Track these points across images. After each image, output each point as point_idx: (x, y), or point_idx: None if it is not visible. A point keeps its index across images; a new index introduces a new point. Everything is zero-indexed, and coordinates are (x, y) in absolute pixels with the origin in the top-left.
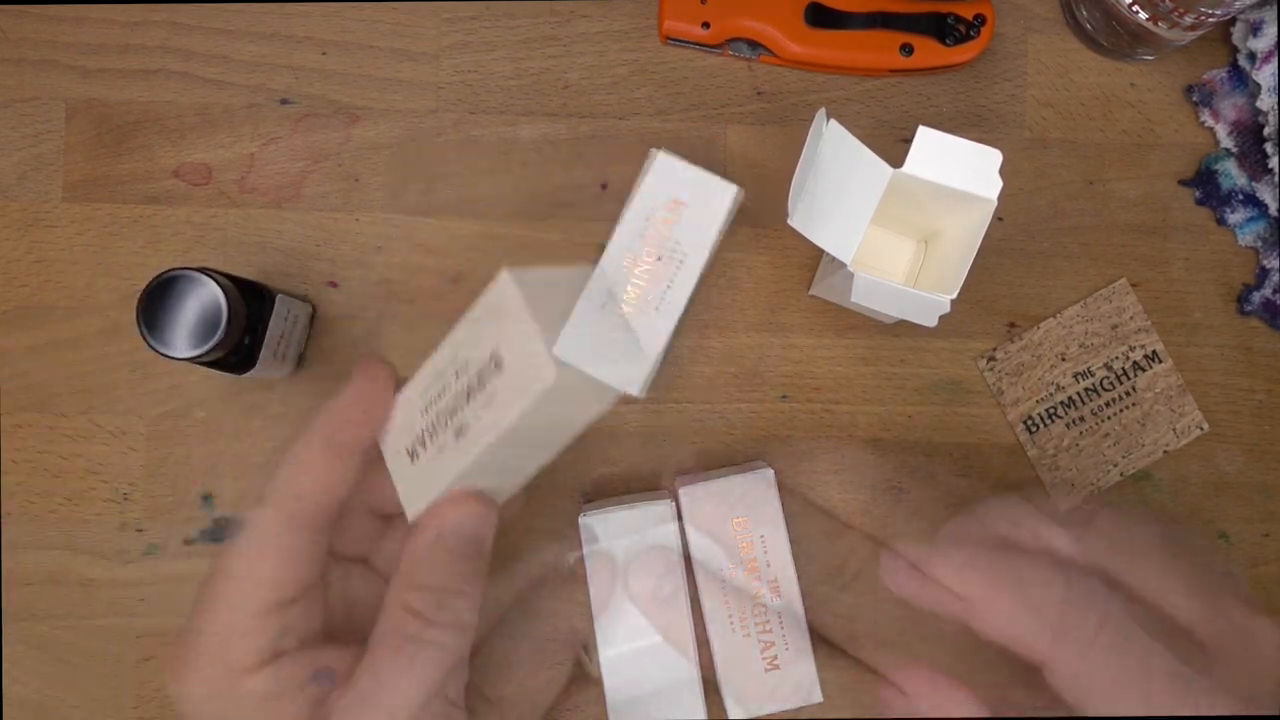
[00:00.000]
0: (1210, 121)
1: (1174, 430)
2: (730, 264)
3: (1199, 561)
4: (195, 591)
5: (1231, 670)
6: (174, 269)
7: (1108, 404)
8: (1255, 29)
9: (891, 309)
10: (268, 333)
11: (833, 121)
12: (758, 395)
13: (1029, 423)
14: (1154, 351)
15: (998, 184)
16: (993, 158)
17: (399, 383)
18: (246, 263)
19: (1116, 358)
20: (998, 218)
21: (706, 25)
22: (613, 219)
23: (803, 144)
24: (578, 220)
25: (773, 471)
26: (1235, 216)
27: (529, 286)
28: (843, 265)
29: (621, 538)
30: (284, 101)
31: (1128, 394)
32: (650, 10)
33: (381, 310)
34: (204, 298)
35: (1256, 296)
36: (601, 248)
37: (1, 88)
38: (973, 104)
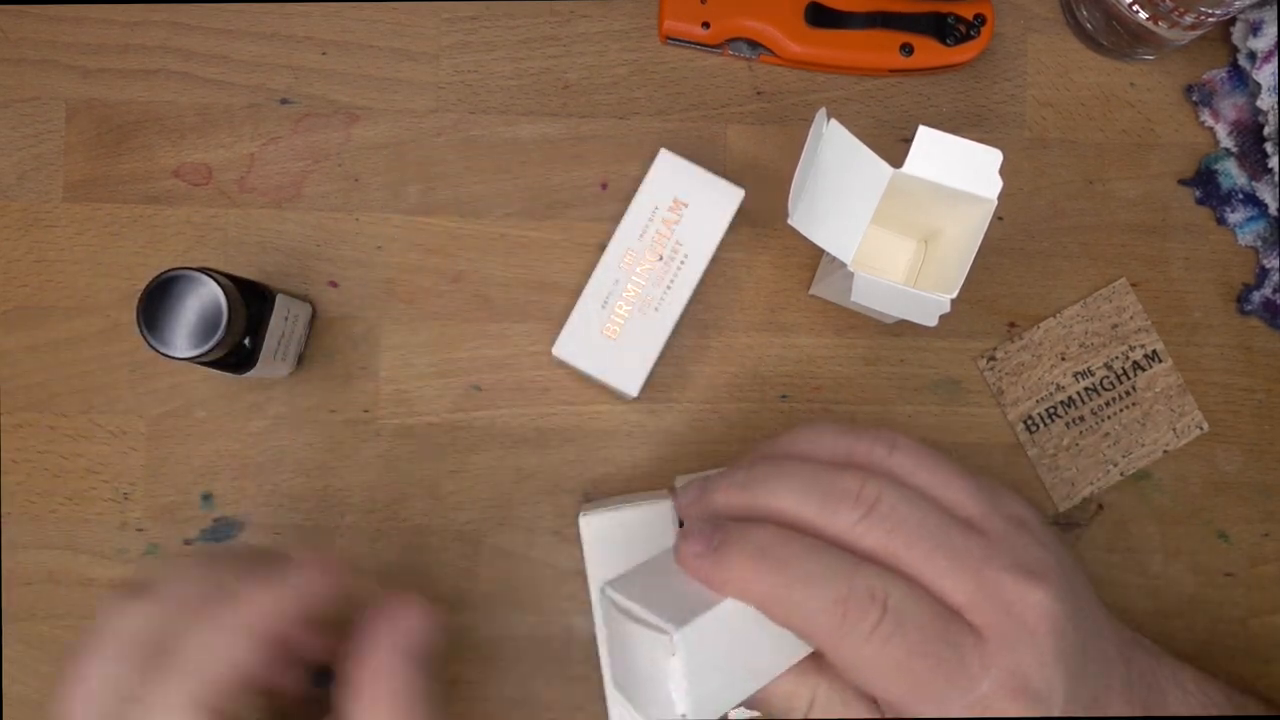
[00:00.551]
0: (1210, 121)
1: (1174, 430)
2: (730, 264)
3: (972, 534)
4: None
5: (1005, 649)
6: (174, 269)
7: (1108, 403)
8: (1255, 29)
9: (891, 309)
10: (268, 332)
11: (833, 121)
12: (758, 395)
13: (1029, 422)
14: (1154, 351)
15: (998, 184)
16: (993, 157)
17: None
18: (246, 263)
19: (1116, 357)
20: (998, 217)
21: (706, 25)
22: (613, 219)
23: (803, 144)
24: (577, 220)
25: None
26: (1235, 216)
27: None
28: (843, 265)
29: (621, 538)
30: (284, 101)
31: (1128, 394)
32: (650, 10)
33: (381, 310)
34: (204, 297)
35: (1256, 296)
36: (602, 247)
37: (2, 88)
38: (973, 104)
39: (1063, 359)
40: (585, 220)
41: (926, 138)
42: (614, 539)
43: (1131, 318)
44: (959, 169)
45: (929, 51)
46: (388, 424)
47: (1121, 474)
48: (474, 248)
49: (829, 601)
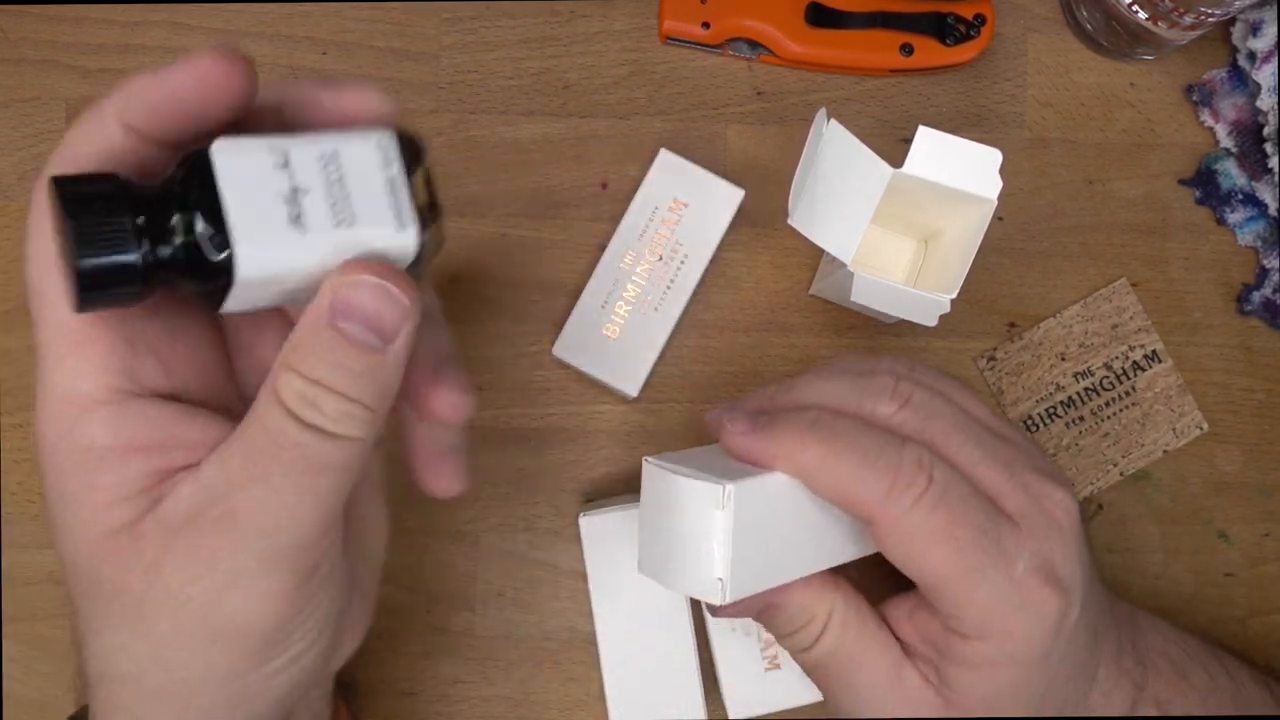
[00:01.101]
0: (1210, 121)
1: (1174, 430)
2: (731, 263)
3: (998, 438)
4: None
5: (1035, 535)
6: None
7: (1107, 404)
8: (1255, 29)
9: (892, 309)
10: None
11: (833, 121)
12: None
13: (1029, 422)
14: (1154, 351)
15: (998, 184)
16: (993, 157)
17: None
18: None
19: (1116, 357)
20: (998, 217)
21: (706, 25)
22: (613, 219)
23: (803, 144)
24: (577, 220)
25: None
26: (1235, 216)
27: None
28: (843, 265)
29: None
30: None
31: (1127, 394)
32: (650, 10)
33: None
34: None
35: (1256, 296)
36: (602, 248)
37: (2, 87)
38: (973, 104)
39: (1063, 359)
40: (585, 220)
41: (926, 138)
42: (614, 539)
43: (1131, 318)
44: (959, 169)
45: (929, 51)
46: (389, 423)
47: (1121, 474)
48: (474, 248)
49: (879, 469)
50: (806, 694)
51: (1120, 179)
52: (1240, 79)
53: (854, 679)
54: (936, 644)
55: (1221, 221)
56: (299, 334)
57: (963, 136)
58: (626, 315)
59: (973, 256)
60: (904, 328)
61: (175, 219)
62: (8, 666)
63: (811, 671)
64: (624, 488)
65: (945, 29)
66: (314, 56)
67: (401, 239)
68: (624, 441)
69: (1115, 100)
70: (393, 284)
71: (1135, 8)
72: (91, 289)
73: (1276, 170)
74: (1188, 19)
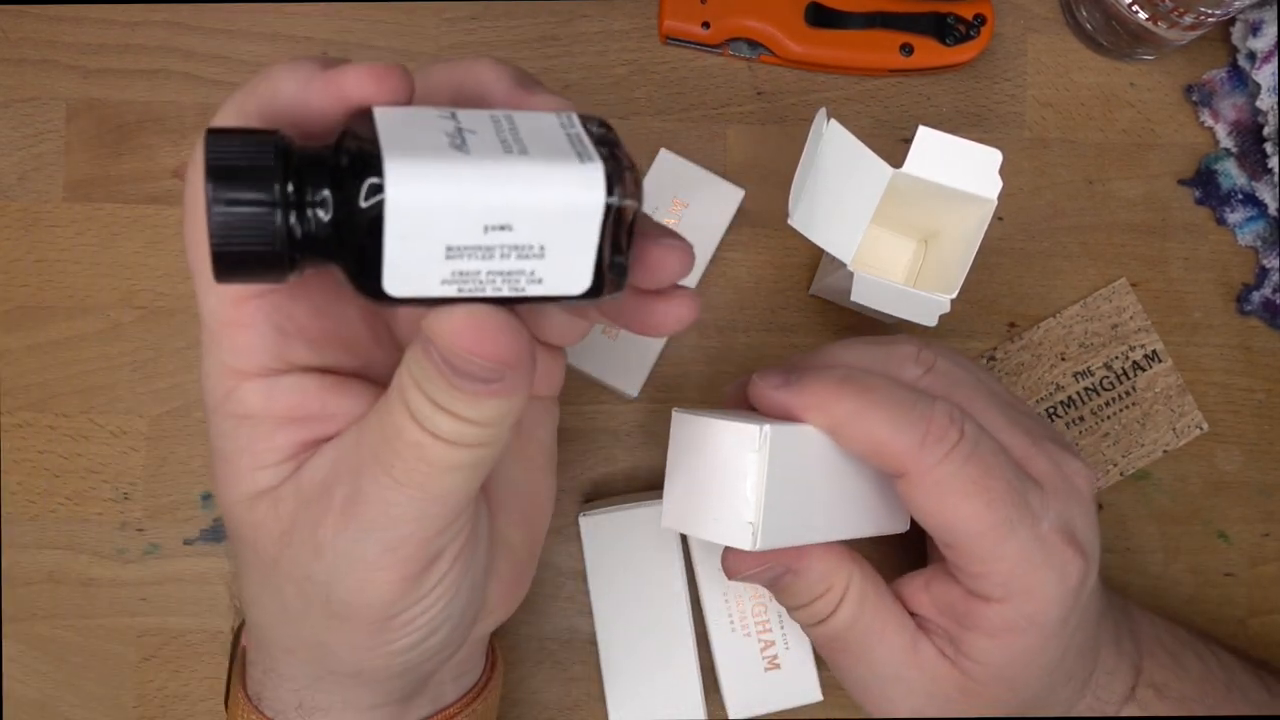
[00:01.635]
0: (1210, 121)
1: (1174, 430)
2: (731, 263)
3: (1017, 410)
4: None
5: (1058, 497)
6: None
7: (1107, 404)
8: (1255, 29)
9: (892, 309)
10: None
11: (833, 121)
12: None
13: None
14: (1154, 351)
15: (997, 184)
16: (992, 157)
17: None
18: None
19: (1116, 357)
20: (998, 217)
21: (706, 25)
22: None
23: (803, 144)
24: None
25: None
26: (1235, 216)
27: None
28: (843, 265)
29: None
30: None
31: (1127, 394)
32: (650, 10)
33: None
34: None
35: (1256, 296)
36: None
37: (2, 88)
38: (973, 104)
39: (1062, 359)
40: None
41: (926, 138)
42: (614, 539)
43: (1131, 318)
44: (959, 169)
45: (929, 51)
46: None
47: (1121, 474)
48: None
49: (912, 420)
50: (806, 694)
51: (1120, 179)
52: (1240, 79)
53: (871, 653)
54: (955, 611)
55: (1221, 221)
56: (415, 350)
57: (963, 136)
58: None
59: (973, 256)
60: (904, 328)
61: (326, 190)
62: (8, 666)
63: (826, 645)
64: (624, 488)
65: (945, 29)
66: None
67: (584, 175)
68: (624, 441)
69: (1115, 100)
70: (494, 329)
71: (1135, 8)
72: (227, 270)
73: (1276, 170)
74: (1188, 19)
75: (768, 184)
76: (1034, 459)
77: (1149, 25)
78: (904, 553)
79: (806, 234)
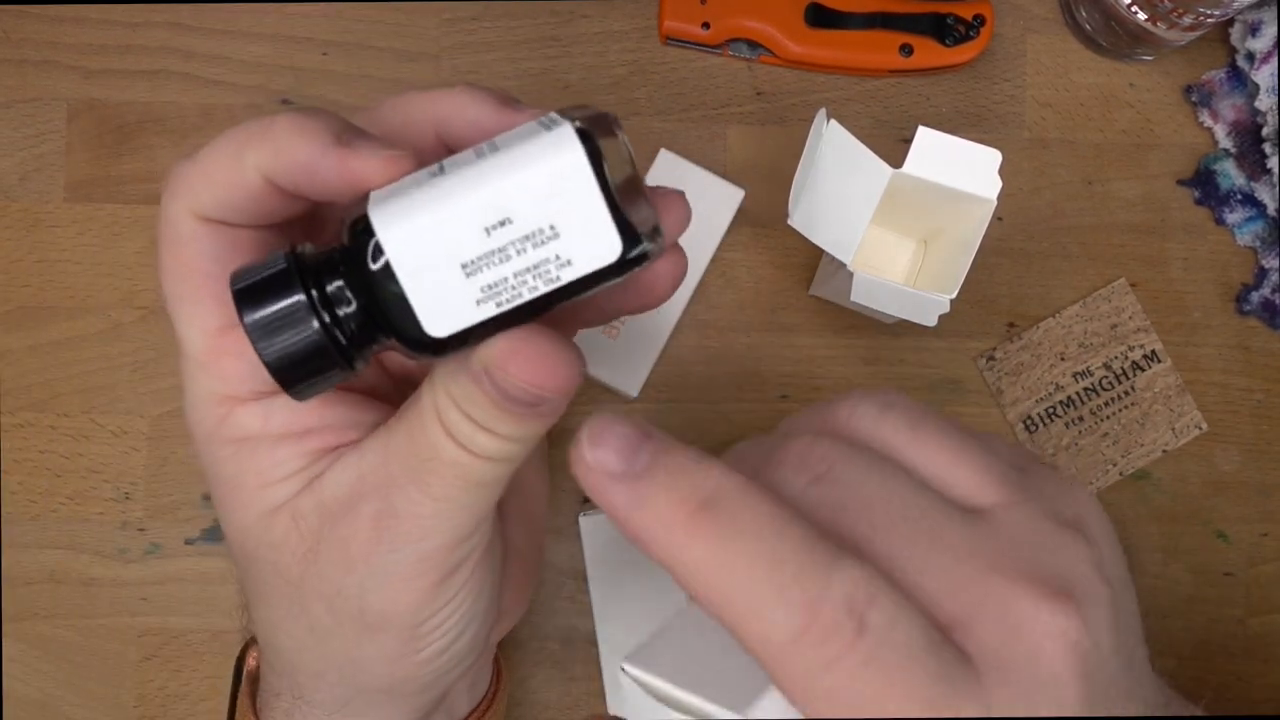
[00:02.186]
0: (1209, 122)
1: (1172, 430)
2: (731, 263)
3: (976, 525)
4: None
5: (1007, 687)
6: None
7: (1107, 403)
8: (1254, 29)
9: (891, 309)
10: None
11: (833, 122)
12: (758, 395)
13: (1028, 422)
14: (1153, 351)
15: (997, 184)
16: (992, 158)
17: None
18: None
19: (1115, 357)
20: (997, 217)
21: (706, 25)
22: None
23: (803, 144)
24: None
25: None
26: (1234, 216)
27: None
28: (843, 265)
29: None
30: (285, 102)
31: (1127, 393)
32: (650, 10)
33: None
34: None
35: (1255, 296)
36: None
37: (3, 88)
38: (972, 104)
39: (1062, 359)
40: None
41: (926, 138)
42: (614, 539)
43: (1130, 318)
44: (958, 169)
45: (928, 52)
46: None
47: (1120, 474)
48: None
49: (792, 604)
50: None
51: (1119, 179)
52: (1239, 79)
53: None
54: None
55: (1220, 222)
56: (459, 375)
57: (962, 137)
58: (627, 315)
59: (972, 256)
60: (904, 328)
61: (340, 282)
62: (9, 666)
63: None
64: None
65: (945, 29)
66: (315, 57)
67: (555, 137)
68: None
69: (1114, 101)
70: (552, 360)
71: (1134, 8)
72: (306, 394)
73: (1275, 170)
74: (1187, 20)
75: (768, 184)
76: (974, 622)
77: (1148, 26)
78: None
79: (806, 234)
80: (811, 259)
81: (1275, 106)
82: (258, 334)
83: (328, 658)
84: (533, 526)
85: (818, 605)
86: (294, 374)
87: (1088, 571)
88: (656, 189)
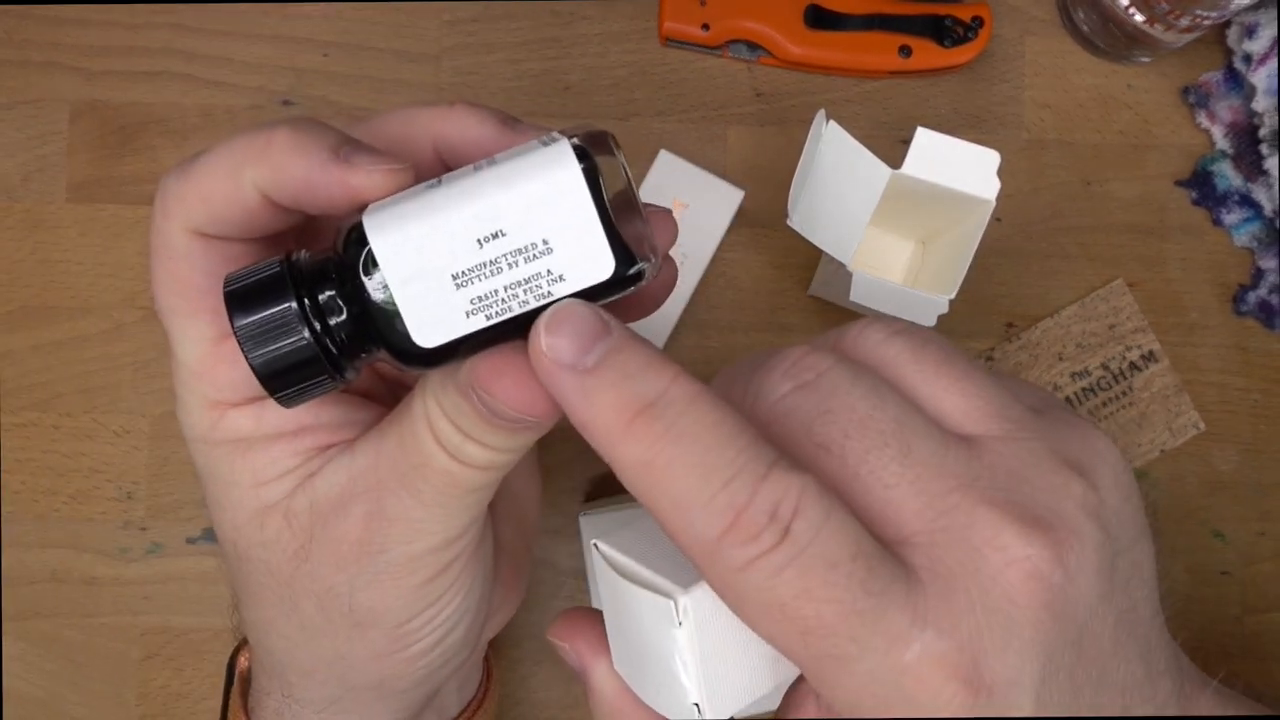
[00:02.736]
0: (1206, 123)
1: (1170, 429)
2: (730, 264)
3: (957, 448)
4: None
5: (950, 605)
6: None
7: (1105, 403)
8: (1250, 31)
9: (890, 309)
10: None
11: (832, 123)
12: None
13: None
14: (1151, 351)
15: (996, 185)
16: (991, 159)
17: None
18: None
19: (1113, 357)
20: (996, 218)
21: (706, 27)
22: None
23: (802, 145)
24: None
25: None
26: (1231, 217)
27: None
28: (842, 265)
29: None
30: (286, 103)
31: (1124, 393)
32: (650, 12)
33: None
34: None
35: (1252, 297)
36: None
37: (6, 89)
38: (971, 105)
39: (1060, 359)
40: None
41: (925, 139)
42: (613, 538)
43: (1128, 318)
44: (957, 170)
45: (927, 53)
46: None
47: None
48: None
49: (715, 507)
50: None
51: (1117, 180)
52: (1236, 81)
53: None
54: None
55: (1218, 222)
56: (447, 387)
57: (961, 138)
58: None
59: (971, 257)
60: None
61: (333, 291)
62: (12, 664)
63: None
64: (623, 487)
65: (943, 31)
66: (316, 58)
67: (552, 153)
68: None
69: (1112, 102)
70: (533, 376)
71: (1132, 10)
72: (293, 401)
73: (1272, 171)
74: (1184, 21)
75: (767, 185)
76: (928, 539)
77: (1146, 28)
78: None
79: (806, 235)
80: (811, 259)
81: (1272, 108)
82: (248, 341)
83: (318, 655)
84: (522, 525)
85: (740, 507)
86: (283, 382)
87: (1075, 511)
88: (645, 207)
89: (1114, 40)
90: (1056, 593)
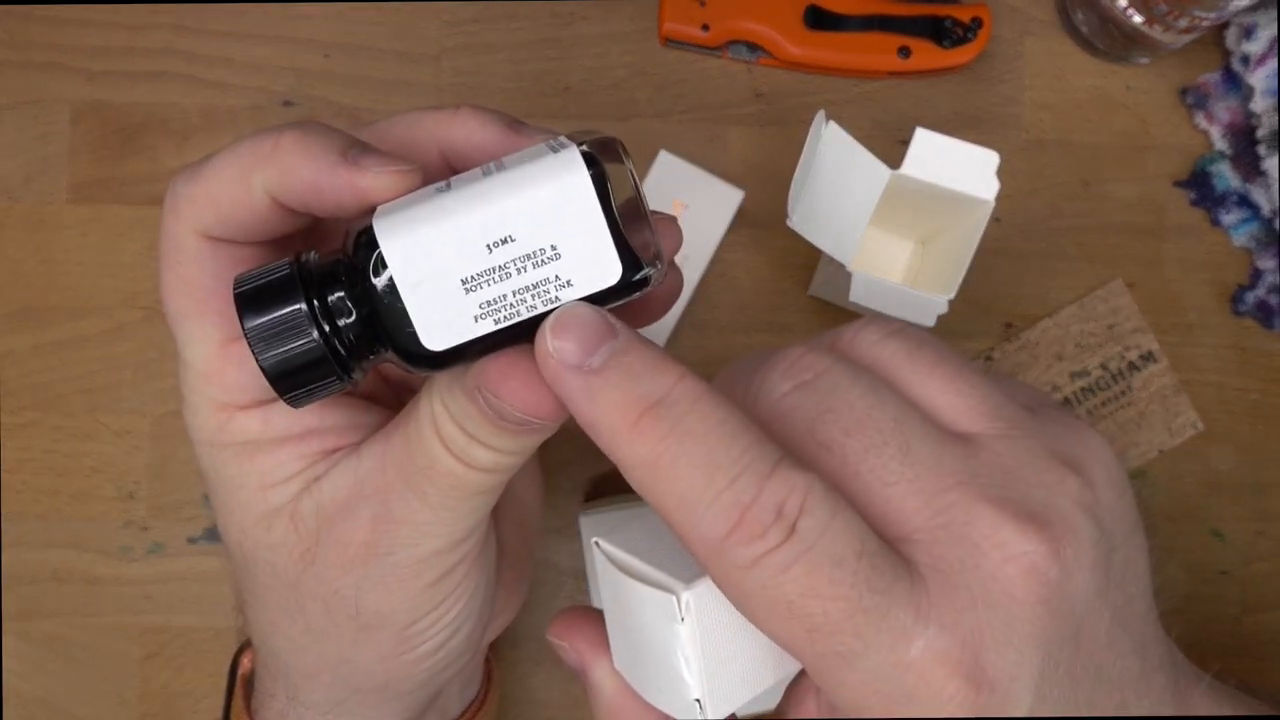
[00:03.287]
0: (1204, 124)
1: (1169, 429)
2: (730, 264)
3: (954, 446)
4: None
5: (953, 602)
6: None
7: (1104, 403)
8: (1248, 32)
9: (890, 309)
10: None
11: (832, 123)
12: None
13: None
14: (1149, 351)
15: (995, 185)
16: (990, 159)
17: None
18: None
19: (1112, 357)
20: (995, 219)
21: (706, 27)
22: None
23: (802, 146)
24: None
25: None
26: (1229, 218)
27: None
28: (841, 265)
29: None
30: (287, 103)
31: (1123, 393)
32: (650, 12)
33: None
34: None
35: (1250, 297)
36: None
37: (7, 90)
38: (970, 106)
39: (1059, 359)
40: None
41: (924, 140)
42: (614, 538)
43: (1127, 318)
44: (956, 170)
45: (926, 54)
46: None
47: None
48: None
49: (721, 505)
50: None
51: (1116, 181)
52: (1234, 82)
53: None
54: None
55: (1216, 223)
56: (454, 390)
57: (960, 138)
58: None
59: (970, 257)
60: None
61: (342, 292)
62: (14, 664)
63: None
64: (624, 487)
65: (942, 32)
66: (317, 59)
67: (561, 159)
68: None
69: (1111, 103)
70: (540, 379)
71: (1131, 11)
72: (302, 401)
73: (1270, 172)
74: (1182, 23)
75: (767, 185)
76: (930, 536)
77: (1144, 29)
78: None
79: (805, 235)
80: (810, 259)
81: (1270, 108)
82: (258, 341)
83: (323, 658)
84: (524, 529)
85: (745, 505)
86: (292, 382)
87: (1070, 508)
88: (652, 213)
89: (1113, 41)
90: (1054, 588)
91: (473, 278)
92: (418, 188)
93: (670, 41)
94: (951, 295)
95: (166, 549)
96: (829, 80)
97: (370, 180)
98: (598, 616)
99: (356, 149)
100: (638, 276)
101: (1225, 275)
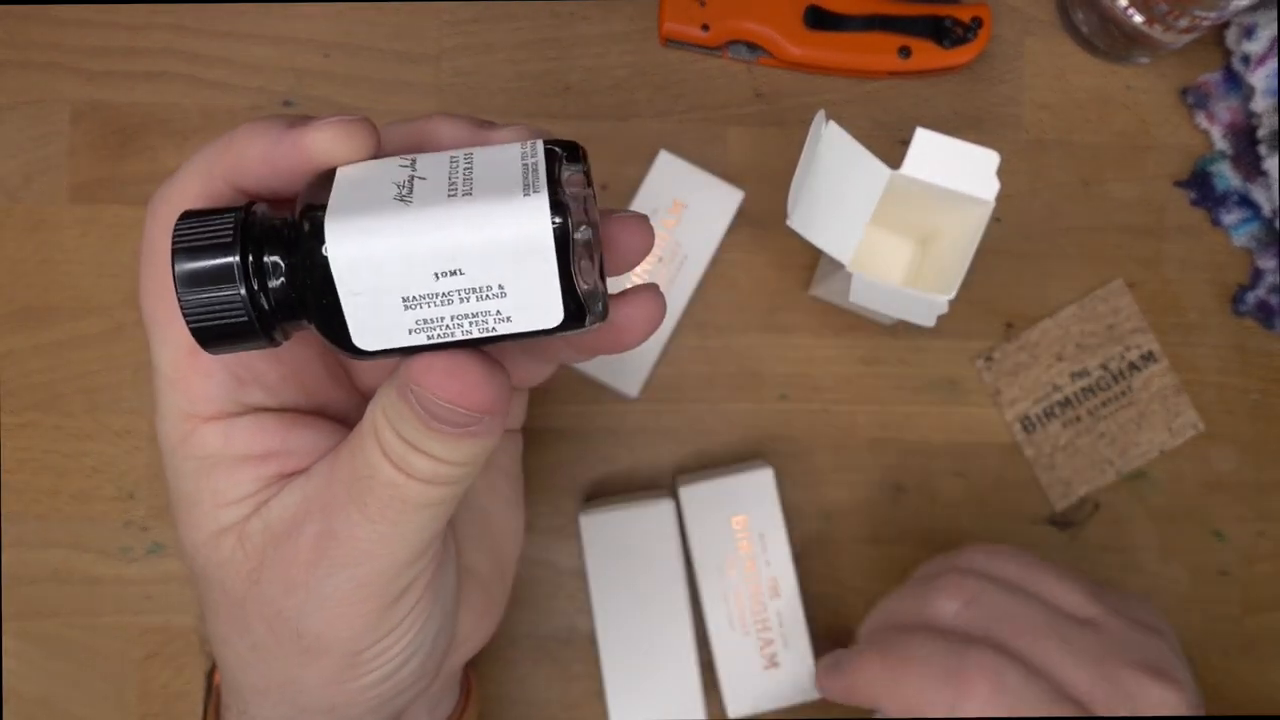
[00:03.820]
0: (1205, 124)
1: (1169, 429)
2: (730, 264)
3: (1087, 630)
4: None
5: None
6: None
7: (1104, 403)
8: (1249, 32)
9: (890, 309)
10: None
11: (832, 123)
12: (757, 395)
13: (1026, 422)
14: (1150, 351)
15: (995, 185)
16: (990, 159)
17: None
18: None
19: (1113, 358)
20: (995, 219)
21: (706, 27)
22: None
23: (802, 145)
24: None
25: (772, 470)
26: (1230, 218)
27: None
28: (841, 266)
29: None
30: (287, 103)
31: (1124, 394)
32: (650, 12)
33: None
34: None
35: (1251, 297)
36: None
37: (7, 91)
38: (970, 106)
39: (1059, 359)
40: None
41: (924, 140)
42: (614, 539)
43: (1127, 318)
44: (956, 171)
45: (926, 54)
46: None
47: (1118, 473)
48: None
49: (941, 677)
50: (804, 692)
51: (1116, 180)
52: (1234, 82)
53: None
54: None
55: (1216, 223)
56: (390, 393)
57: (960, 138)
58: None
59: (970, 257)
60: (902, 328)
61: (278, 257)
62: (14, 663)
63: None
64: (624, 487)
65: (943, 32)
66: (316, 59)
67: (527, 208)
68: (624, 441)
69: (1111, 103)
70: (475, 379)
71: (1131, 11)
72: (212, 343)
73: (1270, 172)
74: (1182, 22)
75: (767, 185)
76: (1100, 695)
77: (1144, 28)
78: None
79: (805, 235)
80: (810, 260)
81: (1270, 108)
82: (184, 283)
83: (269, 676)
84: (499, 556)
85: (959, 671)
86: (210, 331)
87: (1172, 658)
88: (619, 213)
89: (1113, 41)
90: (1183, 711)
91: (414, 298)
92: (369, 148)
93: (670, 41)
94: (951, 295)
95: (166, 549)
96: (829, 80)
97: (315, 134)
98: None
99: (304, 120)
100: (576, 327)
101: (1226, 275)
